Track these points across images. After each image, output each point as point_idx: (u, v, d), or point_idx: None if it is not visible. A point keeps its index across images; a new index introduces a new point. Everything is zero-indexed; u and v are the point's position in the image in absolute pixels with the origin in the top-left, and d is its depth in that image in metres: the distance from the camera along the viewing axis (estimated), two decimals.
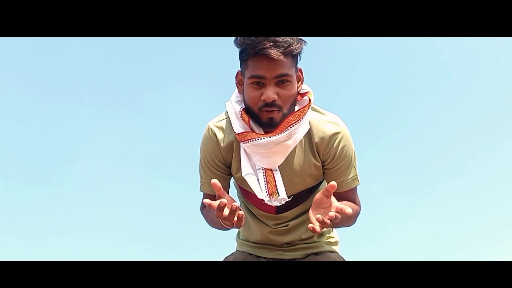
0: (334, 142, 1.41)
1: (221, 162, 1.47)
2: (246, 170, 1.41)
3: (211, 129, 1.45)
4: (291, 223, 1.56)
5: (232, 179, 1.54)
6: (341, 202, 1.30)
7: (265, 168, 1.40)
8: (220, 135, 1.44)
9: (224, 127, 1.44)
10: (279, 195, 1.39)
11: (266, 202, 1.40)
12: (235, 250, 1.66)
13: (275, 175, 1.40)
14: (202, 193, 1.53)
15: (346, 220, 1.41)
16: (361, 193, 1.54)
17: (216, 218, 1.31)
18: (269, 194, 1.39)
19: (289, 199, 1.41)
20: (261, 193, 1.39)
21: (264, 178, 1.40)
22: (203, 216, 1.56)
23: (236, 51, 1.36)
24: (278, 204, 1.41)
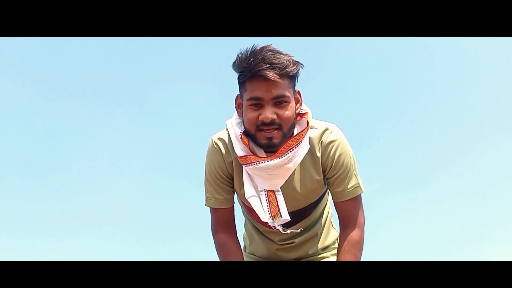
0: (331, 150, 1.43)
1: (226, 175, 1.48)
2: (249, 192, 1.43)
3: (215, 142, 1.46)
4: (297, 240, 1.56)
5: (235, 195, 1.55)
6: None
7: (267, 190, 1.42)
8: (223, 149, 1.46)
9: (227, 142, 1.45)
10: (281, 216, 1.42)
11: (269, 224, 1.43)
12: None
13: (277, 196, 1.42)
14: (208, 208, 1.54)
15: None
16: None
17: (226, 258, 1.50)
18: (272, 216, 1.42)
19: (290, 219, 1.43)
20: (264, 215, 1.42)
21: (266, 200, 1.42)
22: (216, 247, 1.57)
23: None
24: (281, 227, 1.44)
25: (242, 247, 1.68)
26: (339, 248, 1.48)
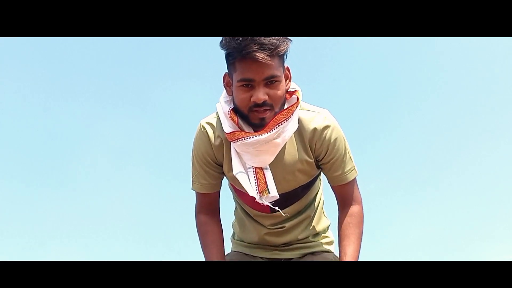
0: (326, 135, 1.43)
1: (213, 160, 1.48)
2: (237, 169, 1.42)
3: (202, 126, 1.46)
4: (287, 224, 1.56)
5: (226, 181, 1.56)
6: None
7: (255, 167, 1.41)
8: (211, 132, 1.45)
9: (215, 126, 1.45)
10: (269, 193, 1.41)
11: (257, 201, 1.42)
12: (230, 251, 1.66)
13: (265, 173, 1.42)
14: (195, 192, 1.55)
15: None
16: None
17: (205, 247, 1.51)
18: (260, 192, 1.41)
19: (279, 197, 1.42)
20: (252, 190, 1.41)
21: (254, 177, 1.42)
22: (196, 227, 1.58)
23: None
24: (269, 203, 1.42)
25: (231, 234, 1.71)
26: (341, 224, 1.50)
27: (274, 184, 1.42)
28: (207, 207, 1.57)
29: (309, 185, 1.54)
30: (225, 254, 1.61)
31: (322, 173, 1.55)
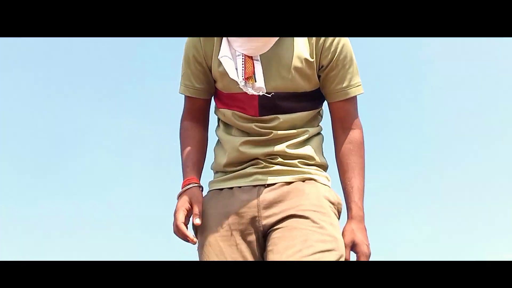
0: (334, 41, 1.35)
1: (200, 57, 1.41)
2: (223, 52, 1.33)
3: None
4: (274, 132, 1.39)
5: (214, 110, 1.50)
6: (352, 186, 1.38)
7: (245, 55, 1.32)
8: None
9: None
10: (255, 81, 1.31)
11: (241, 87, 1.32)
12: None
13: (255, 63, 1.32)
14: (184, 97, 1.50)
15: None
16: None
17: (183, 151, 1.44)
18: (245, 79, 1.32)
19: (270, 95, 1.33)
20: (235, 75, 1.31)
21: (242, 64, 1.32)
22: (179, 133, 1.52)
23: None
24: (255, 93, 1.32)
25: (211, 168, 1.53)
26: (340, 151, 1.42)
27: (262, 76, 1.32)
28: (193, 114, 1.50)
29: (309, 100, 1.41)
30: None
31: (323, 92, 1.42)
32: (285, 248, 1.27)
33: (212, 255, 1.35)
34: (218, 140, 1.51)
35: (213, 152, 1.51)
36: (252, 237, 1.35)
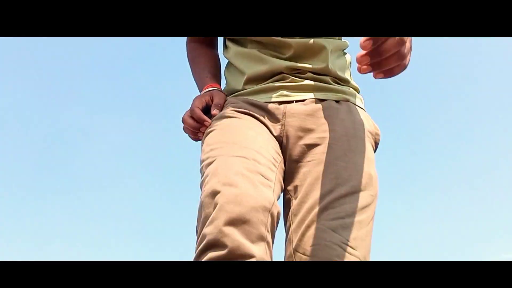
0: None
1: None
2: None
3: None
4: (295, 43, 1.21)
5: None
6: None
7: None
8: None
9: None
10: None
11: None
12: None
13: None
14: None
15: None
16: None
17: (196, 67, 1.29)
18: None
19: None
20: None
21: None
22: (187, 54, 1.38)
23: None
24: None
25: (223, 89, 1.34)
26: None
27: None
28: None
29: None
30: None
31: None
32: (312, 187, 1.09)
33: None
34: (229, 63, 1.35)
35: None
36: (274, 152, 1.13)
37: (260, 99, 1.21)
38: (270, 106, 1.18)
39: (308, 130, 1.15)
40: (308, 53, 1.23)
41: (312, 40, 1.22)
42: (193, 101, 1.22)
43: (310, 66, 1.21)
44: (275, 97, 1.19)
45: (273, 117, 1.17)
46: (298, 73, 1.21)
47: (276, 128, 1.17)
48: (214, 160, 1.03)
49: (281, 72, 1.21)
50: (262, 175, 1.01)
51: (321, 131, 1.14)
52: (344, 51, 1.35)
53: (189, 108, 1.23)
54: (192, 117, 1.20)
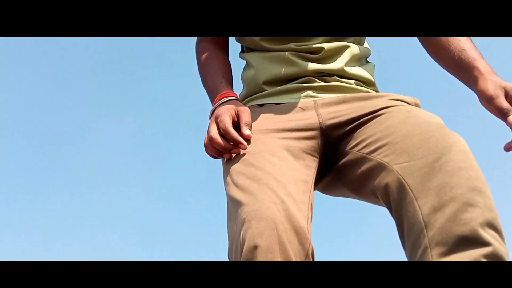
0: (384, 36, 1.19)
1: None
2: None
3: None
4: (326, 46, 1.18)
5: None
6: None
7: None
8: None
9: None
10: None
11: None
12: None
13: None
14: None
15: None
16: None
17: (206, 72, 1.20)
18: None
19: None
20: None
21: None
22: (196, 57, 1.32)
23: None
24: None
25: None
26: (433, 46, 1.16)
27: None
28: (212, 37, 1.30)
29: None
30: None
31: None
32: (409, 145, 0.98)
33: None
34: (247, 64, 1.30)
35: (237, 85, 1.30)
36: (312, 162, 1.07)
37: (285, 100, 1.17)
38: (299, 103, 1.13)
39: (348, 113, 1.10)
40: (336, 57, 1.21)
41: (340, 44, 1.21)
42: (216, 115, 1.11)
43: (336, 68, 1.19)
44: (303, 97, 1.16)
45: (304, 112, 1.12)
46: (325, 75, 1.19)
47: (309, 122, 1.10)
48: (241, 198, 0.96)
49: (308, 75, 1.18)
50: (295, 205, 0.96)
51: (367, 108, 1.09)
52: (368, 59, 1.34)
53: (211, 120, 1.12)
54: (223, 135, 1.07)
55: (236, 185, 0.99)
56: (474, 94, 1.13)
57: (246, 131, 1.06)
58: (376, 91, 1.25)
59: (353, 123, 1.08)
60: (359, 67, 1.23)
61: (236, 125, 1.09)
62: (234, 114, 1.10)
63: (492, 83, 1.03)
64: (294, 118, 1.11)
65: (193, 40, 1.47)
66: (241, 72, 1.32)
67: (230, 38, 1.36)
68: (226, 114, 1.08)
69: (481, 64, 1.08)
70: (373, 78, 1.27)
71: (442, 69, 1.23)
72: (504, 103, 1.00)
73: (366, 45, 1.33)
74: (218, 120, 1.08)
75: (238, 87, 1.33)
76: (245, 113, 1.10)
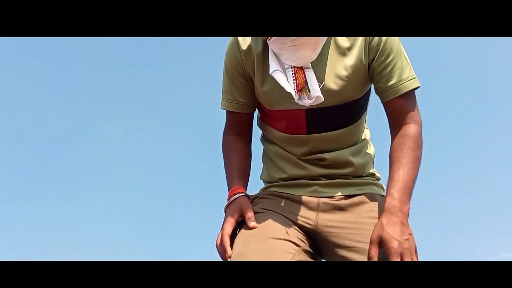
0: (375, 38, 1.30)
1: (242, 70, 1.39)
2: (273, 67, 1.28)
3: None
4: (328, 157, 1.39)
5: (256, 123, 1.50)
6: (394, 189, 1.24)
7: (294, 67, 1.27)
8: (241, 39, 1.37)
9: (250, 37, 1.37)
10: (309, 91, 1.25)
11: (295, 101, 1.26)
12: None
13: (306, 72, 1.26)
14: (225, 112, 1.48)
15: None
16: None
17: (227, 165, 1.44)
18: (298, 91, 1.26)
19: (322, 97, 1.25)
20: (288, 86, 1.25)
21: (293, 76, 1.26)
22: (222, 147, 1.50)
23: None
24: (311, 102, 1.25)
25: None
26: (391, 146, 1.33)
27: (316, 82, 1.26)
28: (235, 129, 1.48)
29: (355, 103, 1.36)
30: (255, 196, 1.46)
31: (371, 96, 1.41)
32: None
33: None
34: (266, 152, 1.51)
35: (257, 164, 1.52)
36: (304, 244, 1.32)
37: (296, 192, 1.40)
38: (305, 199, 1.37)
39: (339, 225, 1.34)
40: (340, 165, 1.41)
41: (342, 156, 1.40)
42: (224, 219, 1.36)
43: (340, 172, 1.41)
44: (310, 192, 1.38)
45: (308, 208, 1.36)
46: (330, 175, 1.40)
47: (310, 218, 1.35)
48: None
49: (316, 178, 1.40)
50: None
51: (349, 223, 1.34)
52: (370, 142, 1.53)
53: (224, 218, 1.37)
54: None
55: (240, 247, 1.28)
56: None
57: (251, 224, 1.30)
58: (375, 177, 1.49)
59: (343, 230, 1.33)
60: (359, 167, 1.43)
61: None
62: (238, 216, 1.34)
63: (377, 229, 1.23)
64: (297, 213, 1.35)
65: (196, 41, 1.49)
66: (262, 155, 1.54)
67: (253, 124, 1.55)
68: (229, 221, 1.32)
69: (388, 199, 1.26)
70: (372, 165, 1.49)
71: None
72: (371, 252, 1.21)
73: (366, 133, 1.51)
74: (222, 227, 1.33)
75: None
76: (247, 209, 1.33)
